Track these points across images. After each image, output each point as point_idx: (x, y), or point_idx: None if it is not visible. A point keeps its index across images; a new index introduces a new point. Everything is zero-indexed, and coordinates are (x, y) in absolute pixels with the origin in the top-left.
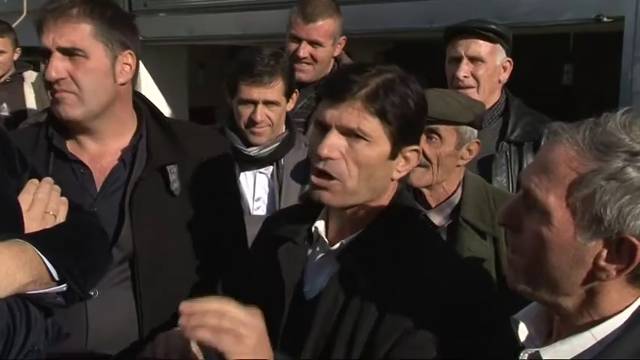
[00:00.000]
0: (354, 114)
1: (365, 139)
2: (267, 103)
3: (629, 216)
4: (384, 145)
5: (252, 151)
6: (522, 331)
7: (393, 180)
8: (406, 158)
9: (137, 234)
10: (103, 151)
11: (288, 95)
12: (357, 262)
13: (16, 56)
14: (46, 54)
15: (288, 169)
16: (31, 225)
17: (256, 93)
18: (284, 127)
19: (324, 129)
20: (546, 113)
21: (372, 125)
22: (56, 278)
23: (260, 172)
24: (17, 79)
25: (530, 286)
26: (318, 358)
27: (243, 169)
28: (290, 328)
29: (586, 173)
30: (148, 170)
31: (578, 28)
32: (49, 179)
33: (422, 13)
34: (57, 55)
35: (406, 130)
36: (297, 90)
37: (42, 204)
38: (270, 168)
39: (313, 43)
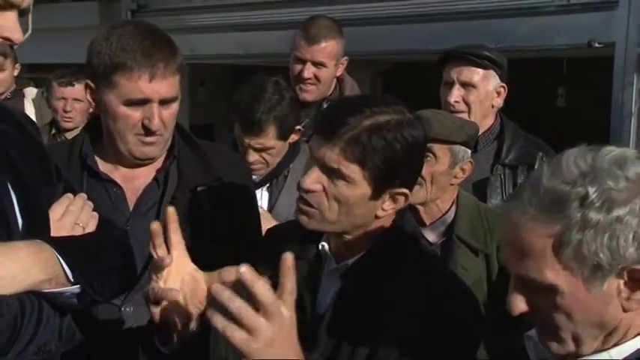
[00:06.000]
0: (336, 155)
1: (344, 180)
2: (260, 149)
3: (620, 249)
4: (364, 188)
5: None
6: (536, 349)
7: (378, 217)
8: (393, 199)
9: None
10: (136, 172)
11: (284, 137)
12: (356, 284)
13: (15, 72)
14: (141, 101)
15: (293, 177)
16: (60, 233)
17: (247, 139)
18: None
19: (312, 161)
20: (541, 134)
21: (351, 169)
22: (71, 279)
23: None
24: (18, 96)
25: (565, 344)
26: None
27: None
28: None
29: (558, 234)
30: (180, 191)
31: (571, 53)
32: (83, 195)
33: (420, 35)
34: (158, 105)
35: (390, 174)
36: (298, 128)
37: (73, 215)
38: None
39: (317, 64)
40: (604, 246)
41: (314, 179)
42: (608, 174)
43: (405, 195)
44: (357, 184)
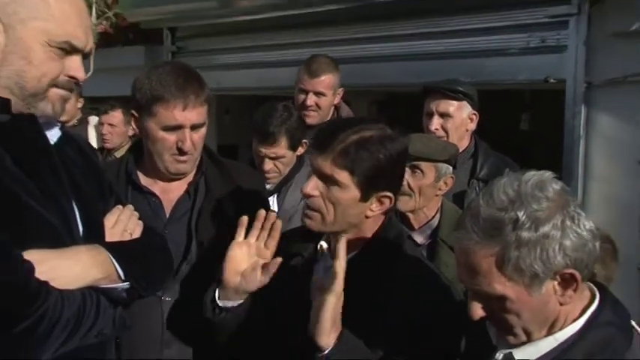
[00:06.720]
0: (329, 164)
1: (337, 185)
2: (274, 157)
3: (551, 259)
4: (354, 191)
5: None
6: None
7: (368, 217)
8: (380, 201)
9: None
10: (171, 185)
11: (293, 148)
12: (351, 280)
13: (79, 105)
14: (175, 127)
15: (296, 184)
16: (112, 239)
17: (263, 149)
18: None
19: (312, 172)
20: (507, 152)
21: (342, 175)
22: (122, 277)
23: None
24: (83, 123)
25: (519, 337)
26: None
27: None
28: (300, 330)
29: (499, 254)
30: (207, 201)
31: (531, 87)
32: (130, 206)
33: (408, 70)
34: (189, 130)
35: (375, 179)
36: (304, 141)
37: (122, 224)
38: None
39: (317, 94)
40: (537, 259)
41: (312, 186)
42: (532, 198)
43: (390, 198)
44: (348, 188)
